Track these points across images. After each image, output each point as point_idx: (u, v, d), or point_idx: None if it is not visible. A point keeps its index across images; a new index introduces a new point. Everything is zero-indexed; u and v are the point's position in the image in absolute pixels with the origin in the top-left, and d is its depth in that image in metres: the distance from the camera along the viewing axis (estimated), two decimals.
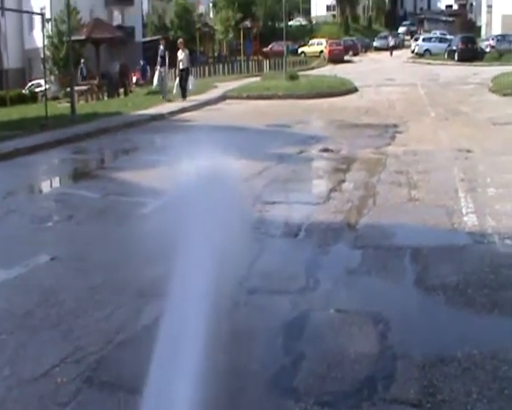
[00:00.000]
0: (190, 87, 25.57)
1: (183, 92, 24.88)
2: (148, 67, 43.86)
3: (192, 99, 24.55)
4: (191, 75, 26.64)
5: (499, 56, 41.96)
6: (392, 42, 59.23)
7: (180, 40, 26.77)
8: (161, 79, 25.45)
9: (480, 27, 78.02)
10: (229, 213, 7.70)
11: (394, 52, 57.60)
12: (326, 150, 12.49)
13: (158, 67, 25.69)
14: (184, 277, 5.99)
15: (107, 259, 6.73)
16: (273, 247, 6.90)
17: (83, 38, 34.45)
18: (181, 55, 25.17)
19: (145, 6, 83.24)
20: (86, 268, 6.41)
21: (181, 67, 25.11)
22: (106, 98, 31.39)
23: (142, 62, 43.67)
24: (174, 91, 25.33)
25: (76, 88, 25.92)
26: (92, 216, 8.61)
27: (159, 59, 25.66)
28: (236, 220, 7.53)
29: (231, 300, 5.45)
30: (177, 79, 25.61)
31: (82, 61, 35.01)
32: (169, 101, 24.29)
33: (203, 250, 6.92)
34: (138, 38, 62.92)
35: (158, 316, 5.21)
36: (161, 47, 25.85)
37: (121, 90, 32.81)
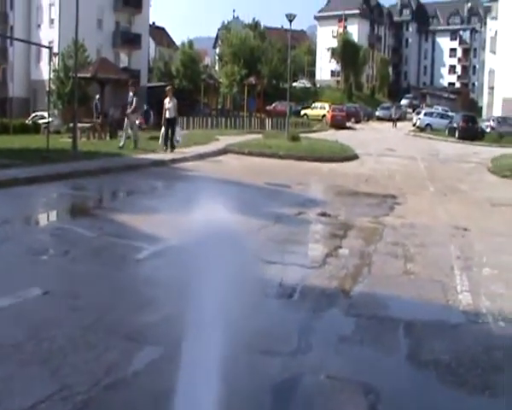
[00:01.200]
0: (178, 139, 24.37)
1: (171, 143, 23.52)
2: (152, 112, 44.19)
3: (190, 150, 24.28)
4: (178, 126, 25.19)
5: (499, 138, 42.57)
6: (397, 114, 59.49)
7: (168, 87, 25.50)
8: (128, 127, 23.95)
9: (481, 107, 79.56)
10: (225, 268, 7.69)
11: (397, 123, 58.01)
12: (324, 215, 12.48)
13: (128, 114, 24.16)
14: (174, 330, 5.96)
15: (99, 299, 6.68)
16: (267, 306, 6.86)
17: (88, 75, 34.74)
18: (168, 103, 23.81)
19: (152, 51, 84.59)
20: (78, 306, 6.35)
21: (167, 116, 23.76)
22: (108, 138, 31.48)
23: (145, 107, 43.96)
24: (160, 141, 24.10)
25: (79, 125, 26.02)
26: (87, 254, 8.58)
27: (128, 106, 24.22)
28: (232, 276, 7.52)
29: (221, 357, 5.40)
30: (163, 129, 24.09)
31: (97, 96, 34.83)
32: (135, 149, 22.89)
33: (195, 304, 6.90)
34: (143, 82, 63.66)
35: (147, 362, 5.21)
36: (130, 93, 24.51)
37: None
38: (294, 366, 5.25)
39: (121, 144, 23.35)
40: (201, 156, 22.92)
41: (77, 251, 8.68)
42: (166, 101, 23.93)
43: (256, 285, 7.33)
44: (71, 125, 26.96)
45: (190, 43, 74.85)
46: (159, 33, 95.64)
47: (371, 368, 5.39)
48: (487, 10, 77.28)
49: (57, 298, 6.60)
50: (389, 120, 63.28)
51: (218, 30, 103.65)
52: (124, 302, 6.63)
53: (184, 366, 4.60)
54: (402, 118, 67.07)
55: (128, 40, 64.88)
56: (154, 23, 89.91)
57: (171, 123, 23.68)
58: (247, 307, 6.59)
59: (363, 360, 5.56)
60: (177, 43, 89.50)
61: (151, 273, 7.85)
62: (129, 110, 24.07)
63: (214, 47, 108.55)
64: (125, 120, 24.48)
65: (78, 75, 28.23)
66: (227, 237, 8.97)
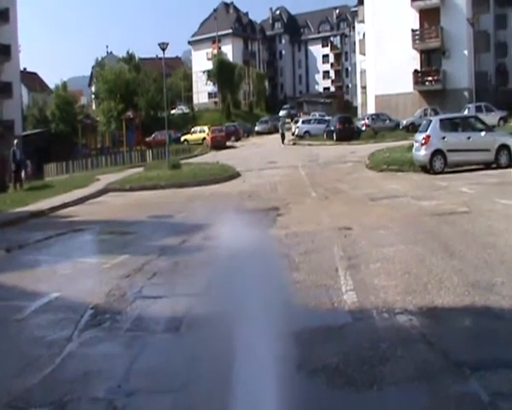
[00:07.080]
0: None
1: None
2: (29, 162, 42.92)
3: (69, 195, 23.39)
4: None
5: (374, 134, 44.18)
6: (283, 128, 58.39)
7: None
8: None
9: (356, 107, 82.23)
10: (105, 315, 7.44)
11: (275, 135, 57.87)
12: (208, 239, 12.37)
13: None
14: (59, 387, 5.73)
15: None
16: (153, 344, 6.73)
17: None
18: None
19: (25, 98, 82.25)
20: None
21: None
22: None
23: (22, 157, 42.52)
24: None
25: None
26: None
27: None
28: (113, 319, 7.27)
29: (109, 403, 5.25)
30: None
31: (15, 142, 32.26)
32: None
33: (79, 355, 6.68)
34: (18, 131, 61.76)
35: None
36: None
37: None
38: (185, 401, 5.16)
39: None
40: (82, 200, 22.27)
41: None
42: None
43: (142, 323, 7.24)
44: None
45: (64, 84, 73.40)
46: (31, 78, 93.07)
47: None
48: (355, 15, 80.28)
49: None
50: (268, 133, 64.60)
51: (93, 68, 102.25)
52: (3, 368, 6.31)
53: None
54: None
55: None
56: (25, 69, 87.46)
57: None
58: (134, 347, 6.49)
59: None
60: (52, 86, 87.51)
61: (32, 332, 7.56)
62: None
63: (89, 85, 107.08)
64: None
65: None
66: (112, 280, 8.75)
